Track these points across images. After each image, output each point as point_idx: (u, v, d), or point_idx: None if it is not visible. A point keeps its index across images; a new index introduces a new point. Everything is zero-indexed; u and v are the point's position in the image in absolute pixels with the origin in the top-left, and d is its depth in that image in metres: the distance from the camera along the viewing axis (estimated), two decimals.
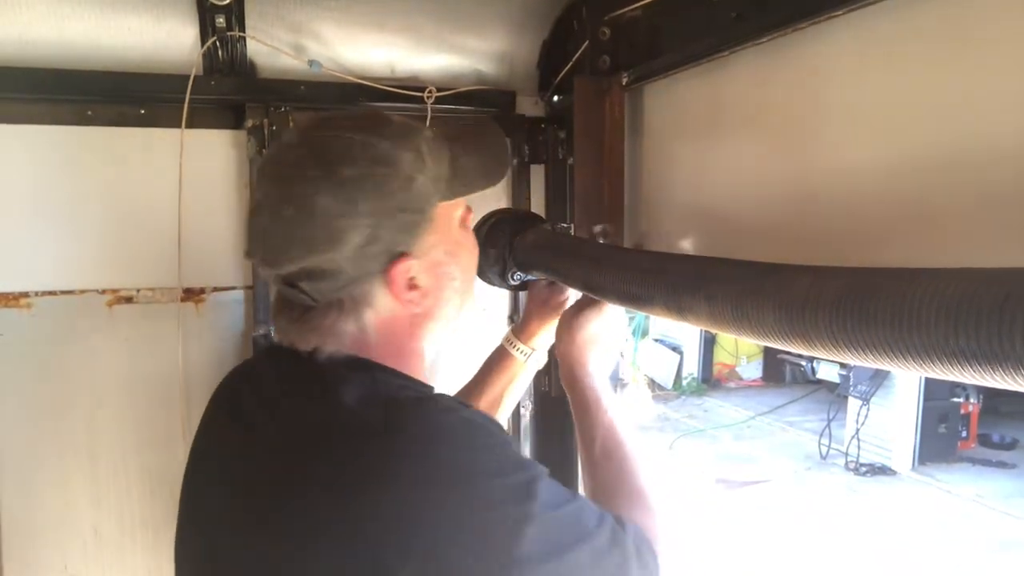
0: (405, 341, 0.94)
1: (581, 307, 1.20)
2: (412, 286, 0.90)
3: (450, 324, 0.99)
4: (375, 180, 0.86)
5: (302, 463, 0.83)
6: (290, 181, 0.87)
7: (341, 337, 0.90)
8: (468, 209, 1.01)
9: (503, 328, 1.65)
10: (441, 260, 0.93)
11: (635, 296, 0.93)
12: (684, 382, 11.53)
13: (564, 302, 1.35)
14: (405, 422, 0.82)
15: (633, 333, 12.04)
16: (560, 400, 1.62)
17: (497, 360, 1.39)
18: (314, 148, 0.89)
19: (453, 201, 0.95)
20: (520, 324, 1.41)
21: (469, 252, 1.00)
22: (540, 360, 1.39)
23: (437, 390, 0.94)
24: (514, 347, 1.37)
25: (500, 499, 0.78)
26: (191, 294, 1.39)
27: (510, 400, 1.39)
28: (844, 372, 8.12)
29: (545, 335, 1.37)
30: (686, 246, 1.20)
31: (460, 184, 0.95)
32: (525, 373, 1.38)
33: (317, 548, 0.78)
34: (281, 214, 0.86)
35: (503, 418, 1.40)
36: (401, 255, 0.88)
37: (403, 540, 0.75)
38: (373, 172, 0.86)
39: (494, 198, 1.60)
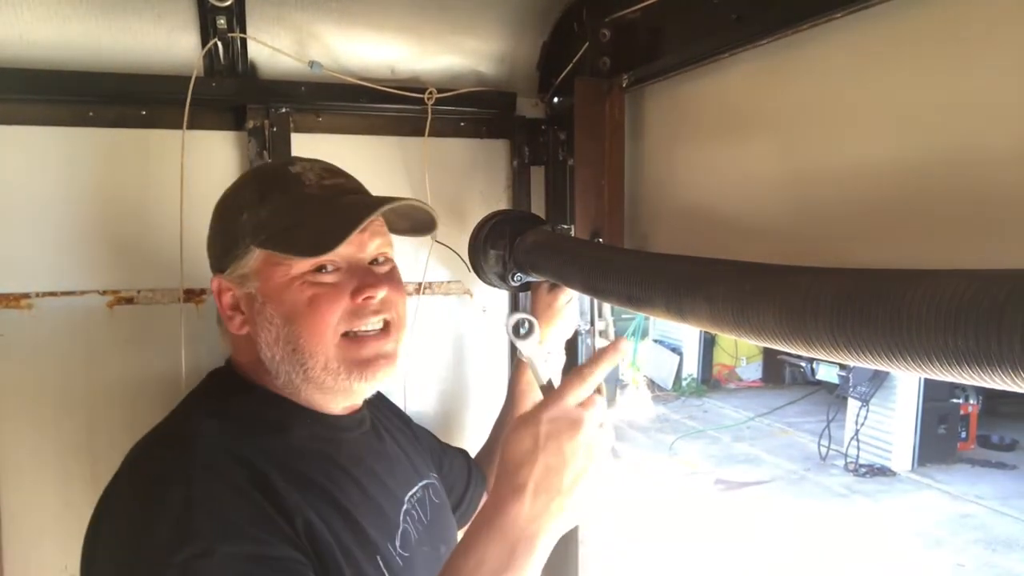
0: (255, 363, 1.04)
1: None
2: (236, 307, 1.03)
3: (305, 380, 1.00)
4: (223, 205, 1.06)
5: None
6: None
7: (222, 333, 1.09)
8: (338, 281, 0.99)
9: (503, 328, 1.65)
10: (255, 296, 1.01)
11: (635, 297, 0.93)
12: (684, 383, 11.54)
13: (567, 303, 1.36)
14: (141, 460, 0.96)
15: (633, 334, 12.04)
16: None
17: (517, 375, 1.41)
18: None
19: (288, 256, 0.96)
20: None
21: (296, 306, 0.98)
22: (557, 361, 1.40)
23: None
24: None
25: (147, 559, 0.82)
26: (192, 295, 1.39)
27: None
28: (843, 373, 8.13)
29: (554, 336, 1.40)
30: (686, 247, 1.20)
31: (279, 243, 0.97)
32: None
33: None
34: None
35: None
36: (218, 271, 1.03)
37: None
38: (226, 200, 1.06)
39: (494, 199, 1.60)
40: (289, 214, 0.98)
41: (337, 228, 0.95)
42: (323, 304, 0.98)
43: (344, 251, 0.98)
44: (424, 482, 1.18)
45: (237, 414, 1.00)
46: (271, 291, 0.98)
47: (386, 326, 1.03)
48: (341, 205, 1.01)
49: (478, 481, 1.39)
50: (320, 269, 0.98)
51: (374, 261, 1.04)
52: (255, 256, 0.99)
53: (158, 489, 0.87)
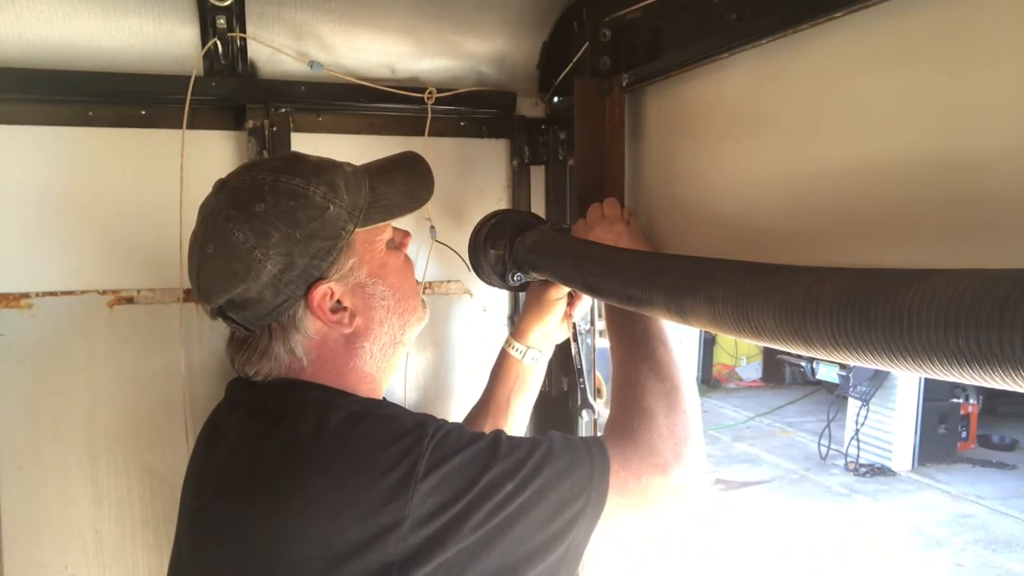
0: (343, 362, 1.01)
1: None
2: (338, 308, 0.98)
3: (396, 341, 1.05)
4: (286, 212, 0.93)
5: (248, 489, 0.92)
6: (212, 222, 0.95)
7: (277, 361, 0.98)
8: (405, 233, 1.09)
9: (503, 328, 1.65)
10: (364, 282, 1.00)
11: (635, 298, 0.93)
12: None
13: (560, 299, 1.34)
14: (326, 437, 0.90)
15: None
16: (560, 400, 1.62)
17: (499, 364, 1.40)
18: (231, 191, 0.97)
19: (376, 226, 1.01)
20: (517, 323, 1.41)
21: (397, 271, 1.05)
22: (543, 357, 1.38)
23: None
24: (511, 347, 1.38)
25: (389, 466, 0.85)
26: (192, 295, 1.39)
27: (520, 403, 1.38)
28: (844, 373, 8.13)
29: (542, 331, 1.37)
30: (686, 247, 1.20)
31: (378, 212, 1.01)
32: (527, 372, 1.37)
33: (256, 558, 0.88)
34: (205, 252, 0.95)
35: (519, 423, 1.40)
36: (318, 279, 0.95)
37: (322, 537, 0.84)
38: (284, 205, 0.93)
39: (494, 199, 1.60)
40: (365, 184, 1.01)
41: (407, 183, 1.04)
42: (408, 260, 1.08)
43: None
44: None
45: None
46: (375, 266, 1.01)
47: None
48: (382, 166, 1.07)
49: None
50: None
51: None
52: (355, 240, 0.98)
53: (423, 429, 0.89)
